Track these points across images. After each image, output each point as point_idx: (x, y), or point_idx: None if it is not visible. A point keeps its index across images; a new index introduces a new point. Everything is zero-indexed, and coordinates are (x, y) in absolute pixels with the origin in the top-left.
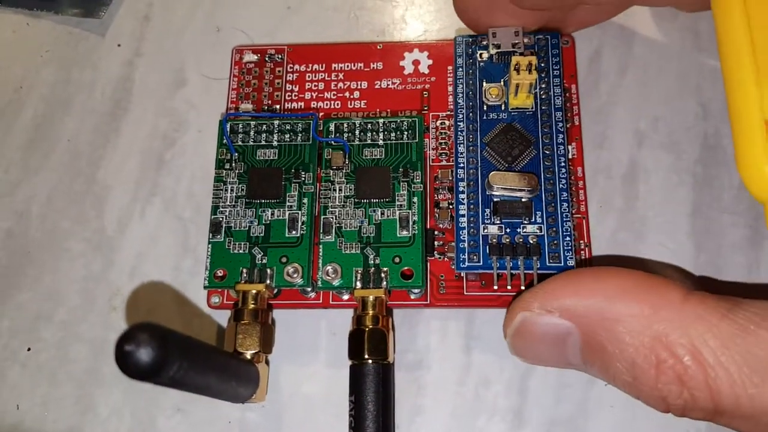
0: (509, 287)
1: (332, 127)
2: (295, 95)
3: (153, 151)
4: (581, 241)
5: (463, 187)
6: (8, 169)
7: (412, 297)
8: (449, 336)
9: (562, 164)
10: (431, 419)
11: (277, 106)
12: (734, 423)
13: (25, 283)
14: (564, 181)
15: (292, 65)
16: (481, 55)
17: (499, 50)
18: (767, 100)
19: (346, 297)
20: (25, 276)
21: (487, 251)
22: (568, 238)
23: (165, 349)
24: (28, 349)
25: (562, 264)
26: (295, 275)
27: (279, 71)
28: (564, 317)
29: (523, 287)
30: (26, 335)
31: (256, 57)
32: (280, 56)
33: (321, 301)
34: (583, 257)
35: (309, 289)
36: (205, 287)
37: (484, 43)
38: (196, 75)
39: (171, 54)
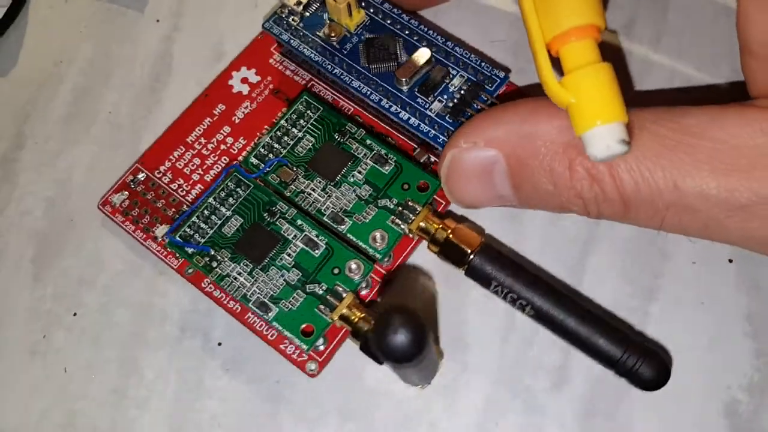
0: None
1: (254, 161)
2: (187, 186)
3: None
4: None
5: (387, 103)
6: (48, 140)
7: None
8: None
9: (423, 28)
10: (476, 377)
11: (184, 206)
12: (639, 214)
13: (67, 250)
14: (434, 34)
15: (157, 171)
16: (293, 19)
17: (302, 5)
18: (545, 27)
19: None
20: (67, 243)
21: (450, 119)
22: (482, 63)
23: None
24: (74, 314)
25: (499, 80)
26: (358, 269)
27: (152, 184)
28: (488, 146)
29: None
30: (71, 300)
31: (124, 193)
32: (141, 174)
33: (388, 273)
34: None
35: (363, 285)
36: (305, 352)
37: (287, 10)
38: (235, 49)
39: (210, 29)
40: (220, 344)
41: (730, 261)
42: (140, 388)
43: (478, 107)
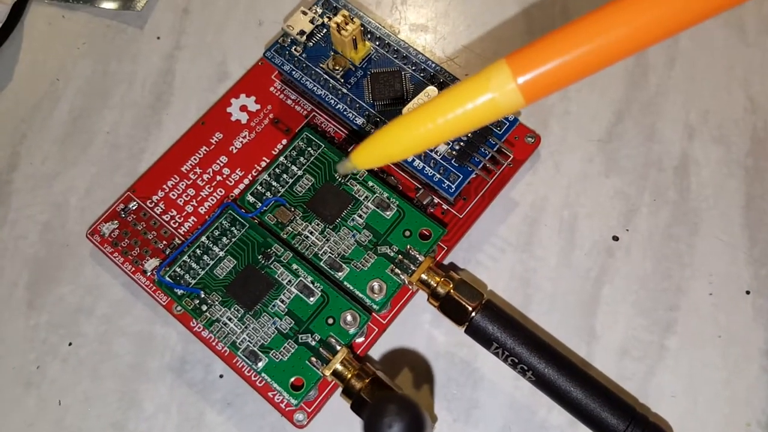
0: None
1: (251, 199)
2: (180, 218)
3: None
4: None
5: None
6: (45, 161)
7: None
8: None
9: (431, 64)
10: (488, 412)
11: (176, 239)
12: None
13: (64, 277)
14: (442, 70)
15: (149, 200)
16: (296, 49)
17: (305, 35)
18: None
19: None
20: (63, 269)
21: (456, 164)
22: None
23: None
24: (69, 344)
25: (508, 124)
26: (354, 321)
27: (143, 214)
28: None
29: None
30: (66, 329)
31: (114, 222)
32: (133, 203)
33: (385, 322)
34: None
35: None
36: (294, 405)
37: (290, 40)
38: (239, 68)
39: (212, 47)
40: (221, 376)
41: (748, 293)
42: (140, 421)
43: (486, 152)
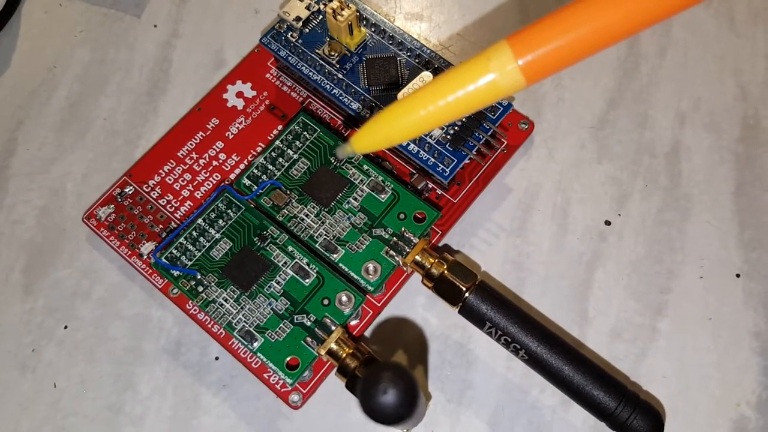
0: (495, 149)
1: (247, 182)
2: (176, 202)
3: None
4: None
5: None
6: (42, 147)
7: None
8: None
9: (426, 50)
10: (481, 393)
11: (172, 223)
12: None
13: (60, 261)
14: (437, 56)
15: (146, 185)
16: (292, 35)
17: (301, 20)
18: None
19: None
20: (60, 254)
21: (451, 148)
22: None
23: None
24: (65, 328)
25: (502, 109)
26: (349, 302)
27: (140, 198)
28: None
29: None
30: (63, 313)
31: (111, 206)
32: (129, 188)
33: (380, 304)
34: None
35: (353, 316)
36: (289, 385)
37: (286, 26)
38: (236, 56)
39: (209, 36)
40: (217, 359)
41: (738, 276)
42: (135, 404)
43: (480, 136)
